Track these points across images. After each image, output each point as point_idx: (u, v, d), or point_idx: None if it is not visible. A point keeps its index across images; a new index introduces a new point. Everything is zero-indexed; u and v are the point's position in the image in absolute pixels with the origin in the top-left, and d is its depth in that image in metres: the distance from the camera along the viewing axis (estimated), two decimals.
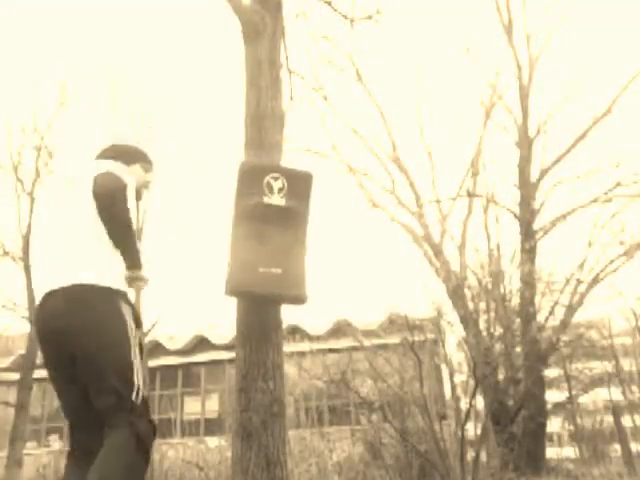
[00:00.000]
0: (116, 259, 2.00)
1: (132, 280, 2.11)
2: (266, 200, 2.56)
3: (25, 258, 8.95)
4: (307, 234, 2.67)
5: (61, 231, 2.00)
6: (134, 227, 2.02)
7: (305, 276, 2.59)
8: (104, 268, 1.94)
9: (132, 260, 2.05)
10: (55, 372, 1.99)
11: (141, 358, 1.93)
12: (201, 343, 13.55)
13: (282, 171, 2.64)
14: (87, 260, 1.95)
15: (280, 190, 2.59)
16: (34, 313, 2.05)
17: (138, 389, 1.85)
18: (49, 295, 1.92)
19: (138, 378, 1.86)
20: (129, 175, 2.14)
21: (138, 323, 1.99)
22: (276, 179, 2.59)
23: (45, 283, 1.95)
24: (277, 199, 2.58)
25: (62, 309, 1.88)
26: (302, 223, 2.65)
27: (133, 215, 2.04)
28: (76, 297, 1.89)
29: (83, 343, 1.87)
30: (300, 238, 2.63)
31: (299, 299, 2.59)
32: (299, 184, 2.65)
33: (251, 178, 2.58)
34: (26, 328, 9.37)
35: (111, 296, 1.92)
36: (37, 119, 9.51)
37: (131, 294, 2.13)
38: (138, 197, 2.28)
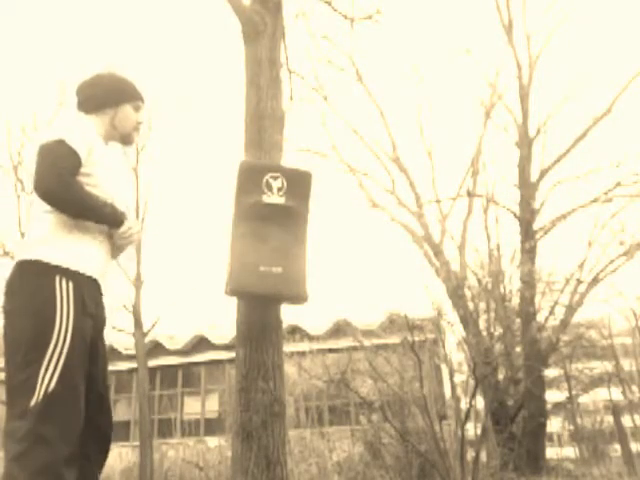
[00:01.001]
0: (56, 219, 1.74)
1: (117, 241, 1.88)
2: (265, 199, 2.55)
3: None
4: (307, 233, 2.67)
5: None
6: (84, 195, 1.75)
7: (305, 275, 2.58)
8: (43, 237, 1.73)
9: (108, 222, 1.82)
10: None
11: (73, 359, 1.63)
12: (201, 343, 13.55)
13: (281, 170, 2.63)
14: (29, 232, 1.76)
15: (279, 189, 2.58)
16: None
17: (39, 391, 1.56)
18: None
19: (45, 377, 1.57)
20: (81, 121, 1.91)
21: (85, 304, 1.72)
22: (275, 178, 2.59)
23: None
24: (276, 198, 2.57)
25: (6, 288, 1.72)
26: (302, 222, 2.64)
27: (92, 168, 1.79)
28: (10, 277, 1.71)
29: (5, 336, 1.66)
30: (300, 237, 2.62)
31: (300, 298, 2.58)
32: (299, 183, 2.64)
33: (250, 177, 2.58)
34: None
35: (43, 271, 1.68)
36: (37, 119, 9.52)
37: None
38: (126, 141, 2.06)
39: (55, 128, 1.82)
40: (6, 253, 9.11)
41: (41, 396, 1.56)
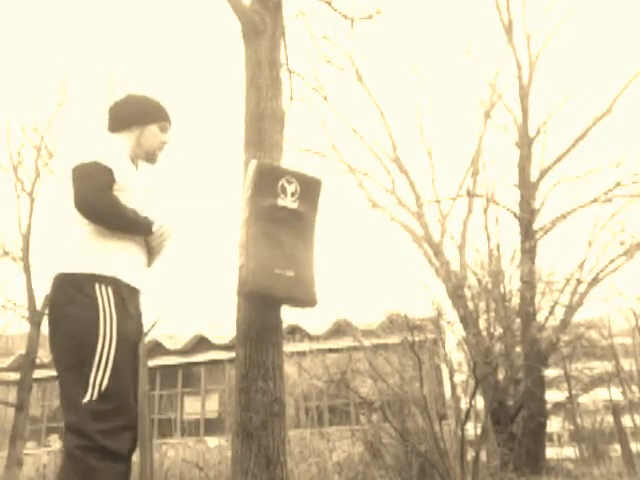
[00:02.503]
0: (94, 233, 1.84)
1: (153, 243, 2.00)
2: (280, 202, 2.58)
3: (25, 258, 8.95)
4: (315, 239, 2.70)
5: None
6: (120, 207, 1.85)
7: (315, 280, 2.62)
8: (80, 250, 1.83)
9: (142, 231, 1.94)
10: None
11: (121, 360, 1.75)
12: (201, 343, 13.54)
13: (296, 175, 2.66)
14: (65, 246, 1.86)
15: (293, 194, 2.61)
16: None
17: (93, 389, 1.68)
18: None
19: (97, 376, 1.69)
20: (111, 141, 2.01)
21: (126, 302, 1.83)
22: (290, 183, 2.62)
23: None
24: (290, 202, 2.60)
25: (49, 302, 1.85)
26: (311, 228, 2.68)
27: (124, 181, 1.89)
28: (53, 292, 1.81)
29: (53, 345, 1.81)
30: (309, 242, 2.66)
31: (310, 302, 2.62)
32: (310, 189, 2.68)
33: (267, 179, 2.59)
34: (26, 328, 9.37)
35: (83, 282, 1.78)
36: (37, 119, 9.51)
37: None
38: (150, 160, 2.15)
39: (86, 149, 1.92)
40: (6, 253, 9.11)
41: (95, 395, 1.68)
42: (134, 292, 1.91)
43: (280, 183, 2.59)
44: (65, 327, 1.76)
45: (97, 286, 1.78)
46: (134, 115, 2.10)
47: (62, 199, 1.91)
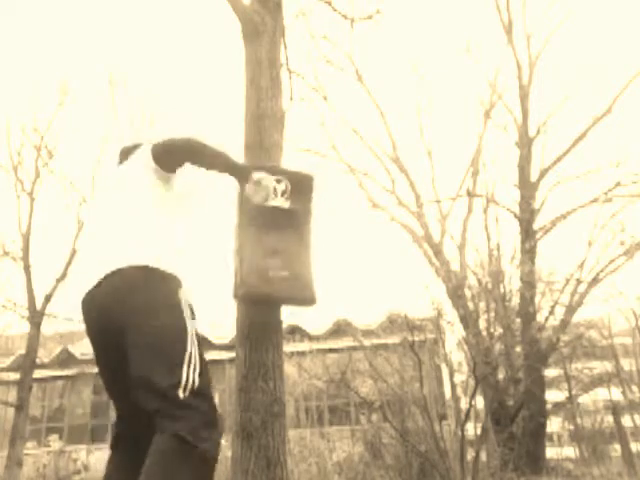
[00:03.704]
0: (171, 228, 1.89)
1: (256, 188, 2.06)
2: (271, 203, 2.56)
3: (25, 258, 8.96)
4: (311, 236, 2.67)
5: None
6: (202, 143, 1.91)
7: (313, 278, 2.59)
8: (155, 243, 1.82)
9: (236, 170, 2.04)
10: (107, 372, 1.89)
11: (198, 350, 1.77)
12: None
13: (285, 173, 2.63)
14: (132, 236, 1.82)
15: (284, 192, 2.59)
16: (81, 313, 1.90)
17: (186, 385, 1.66)
18: (92, 291, 1.79)
19: (189, 373, 1.68)
20: None
21: (194, 311, 1.85)
22: (279, 182, 2.58)
23: (82, 277, 1.83)
24: (281, 201, 2.57)
25: (109, 302, 1.76)
26: (306, 225, 2.65)
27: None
28: (120, 285, 1.75)
29: (130, 337, 1.72)
30: (305, 240, 2.63)
31: (309, 301, 2.60)
32: (302, 186, 2.65)
33: None
34: (26, 328, 9.37)
35: (163, 279, 1.78)
36: (37, 119, 9.52)
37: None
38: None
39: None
40: (6, 253, 9.11)
41: (188, 390, 1.66)
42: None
43: None
44: (152, 319, 1.72)
45: (177, 285, 1.80)
46: None
47: (148, 190, 1.91)
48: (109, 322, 1.77)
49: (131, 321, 1.72)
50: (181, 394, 1.65)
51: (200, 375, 1.71)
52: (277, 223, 2.55)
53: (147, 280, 1.76)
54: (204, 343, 1.86)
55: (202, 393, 1.70)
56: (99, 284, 1.78)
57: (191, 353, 1.72)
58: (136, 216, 1.87)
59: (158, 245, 1.83)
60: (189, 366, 1.69)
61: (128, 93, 9.98)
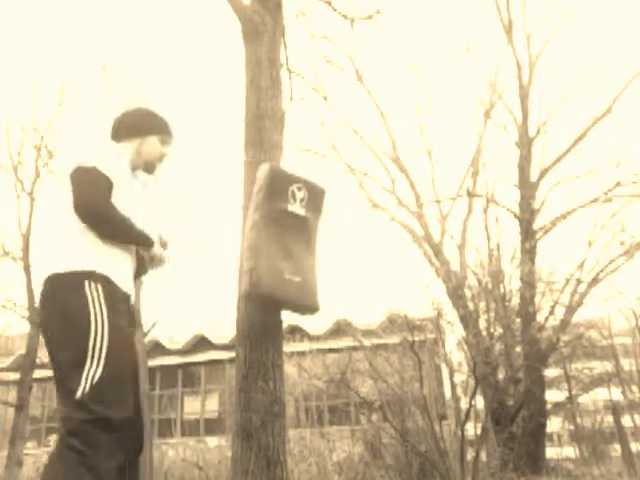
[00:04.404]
0: (86, 235, 1.87)
1: (151, 260, 2.05)
2: (290, 208, 2.60)
3: (25, 258, 8.95)
4: (317, 247, 2.73)
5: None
6: (122, 216, 1.88)
7: (317, 287, 2.64)
8: (71, 250, 1.85)
9: (140, 244, 1.98)
10: None
11: (113, 354, 1.76)
12: (201, 343, 13.55)
13: (304, 182, 2.68)
14: (57, 247, 1.89)
15: (302, 200, 2.64)
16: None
17: (85, 387, 1.69)
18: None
19: (89, 375, 1.70)
20: (112, 149, 2.06)
21: (116, 300, 1.84)
22: (300, 189, 2.64)
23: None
24: (298, 208, 2.62)
25: (39, 303, 1.87)
26: (314, 234, 2.71)
27: (122, 192, 1.91)
28: (43, 292, 1.84)
29: (46, 343, 1.83)
30: (312, 249, 2.69)
31: (313, 309, 2.65)
32: (315, 197, 2.71)
33: (279, 184, 2.60)
34: (26, 328, 9.37)
35: (72, 281, 1.80)
36: (37, 119, 9.51)
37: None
38: (148, 170, 2.19)
39: (87, 153, 1.95)
40: (6, 253, 9.11)
41: (88, 386, 1.69)
42: (124, 296, 1.92)
43: (291, 189, 2.62)
44: (57, 324, 1.78)
45: (87, 283, 1.79)
46: (135, 126, 2.16)
47: (59, 200, 1.93)
48: (39, 324, 1.93)
49: (44, 330, 1.85)
50: (79, 394, 1.68)
51: (105, 369, 1.71)
52: (292, 228, 2.60)
53: (54, 287, 1.81)
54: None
55: (103, 385, 1.71)
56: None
57: (94, 349, 1.72)
58: (57, 225, 1.92)
59: (74, 249, 1.85)
60: (91, 363, 1.71)
61: (128, 93, 9.97)
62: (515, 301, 7.74)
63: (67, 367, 1.74)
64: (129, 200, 1.96)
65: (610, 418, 8.97)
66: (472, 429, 6.54)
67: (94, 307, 1.76)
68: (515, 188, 8.67)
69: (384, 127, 9.76)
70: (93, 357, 1.72)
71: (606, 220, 7.97)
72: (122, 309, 1.88)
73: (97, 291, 1.79)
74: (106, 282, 1.84)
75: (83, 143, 2.04)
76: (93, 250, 1.86)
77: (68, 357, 1.74)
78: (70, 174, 1.89)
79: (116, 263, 1.91)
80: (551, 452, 8.74)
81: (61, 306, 1.78)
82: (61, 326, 1.77)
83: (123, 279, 1.93)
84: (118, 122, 2.19)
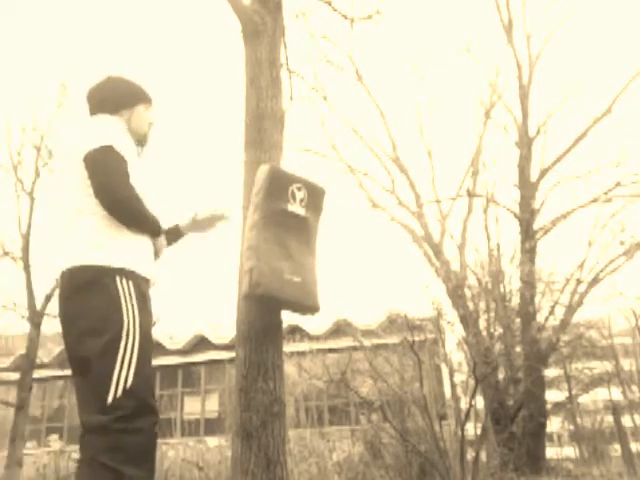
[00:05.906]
0: (106, 223, 1.75)
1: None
2: (290, 208, 2.59)
3: (25, 258, 8.95)
4: (316, 247, 2.73)
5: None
6: (142, 203, 1.78)
7: (317, 287, 2.64)
8: (93, 242, 1.72)
9: (153, 233, 1.89)
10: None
11: (143, 353, 1.69)
12: (201, 343, 13.55)
13: (304, 182, 2.67)
14: (73, 237, 1.75)
15: (302, 200, 2.63)
16: None
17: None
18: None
19: (118, 389, 1.62)
20: (117, 124, 1.92)
21: (147, 301, 1.77)
22: (299, 189, 2.63)
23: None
24: (298, 208, 2.62)
25: (60, 297, 1.75)
26: (314, 235, 2.71)
27: (132, 170, 1.79)
28: (67, 285, 1.71)
29: (67, 343, 1.72)
30: (312, 249, 2.68)
31: (313, 309, 2.64)
32: (315, 197, 2.71)
33: (279, 184, 2.60)
34: (26, 328, 9.37)
35: (100, 277, 1.68)
36: (37, 119, 9.51)
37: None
38: (142, 143, 2.06)
39: (99, 131, 1.81)
40: (6, 253, 9.11)
41: (120, 392, 1.62)
42: (148, 285, 1.85)
43: (290, 189, 2.61)
44: (85, 323, 1.66)
45: (118, 279, 1.69)
46: (121, 98, 2.01)
47: (67, 189, 1.81)
48: (60, 317, 1.79)
49: (68, 332, 1.74)
50: (110, 398, 1.61)
51: (136, 374, 1.65)
52: (292, 228, 2.59)
53: (80, 280, 1.70)
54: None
55: (135, 392, 1.66)
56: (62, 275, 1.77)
57: (125, 351, 1.65)
58: (70, 216, 1.81)
59: (97, 242, 1.74)
60: (122, 366, 1.64)
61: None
62: (515, 301, 7.74)
63: (97, 370, 1.63)
64: (139, 178, 1.85)
65: (610, 418, 8.96)
66: (472, 429, 6.54)
67: (126, 307, 1.68)
68: (515, 188, 8.68)
69: (384, 127, 9.77)
70: (124, 360, 1.64)
71: (606, 220, 7.98)
72: (150, 305, 1.82)
73: (129, 289, 1.70)
74: (135, 277, 1.75)
75: (92, 121, 1.91)
76: (117, 240, 1.75)
77: (97, 358, 1.63)
78: (86, 156, 1.74)
79: (140, 250, 1.82)
80: (551, 452, 8.74)
81: (90, 300, 1.66)
82: (90, 324, 1.65)
83: (147, 266, 1.85)
84: (98, 97, 2.01)
